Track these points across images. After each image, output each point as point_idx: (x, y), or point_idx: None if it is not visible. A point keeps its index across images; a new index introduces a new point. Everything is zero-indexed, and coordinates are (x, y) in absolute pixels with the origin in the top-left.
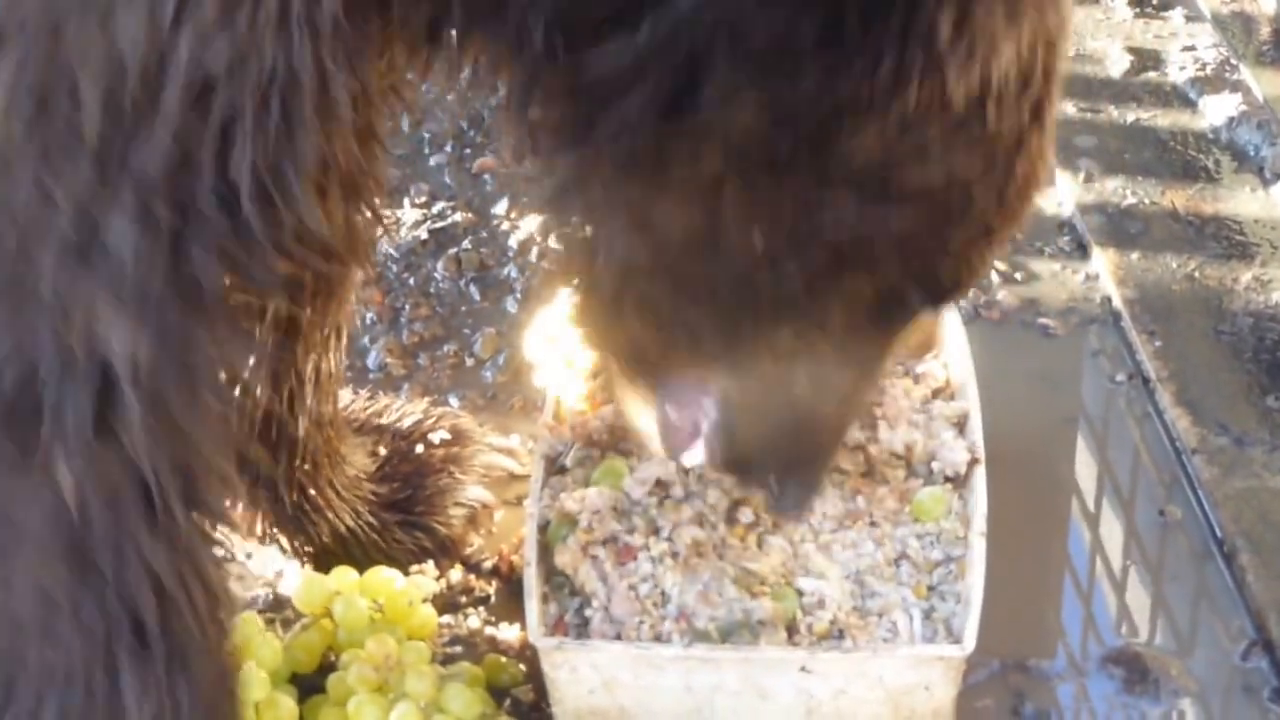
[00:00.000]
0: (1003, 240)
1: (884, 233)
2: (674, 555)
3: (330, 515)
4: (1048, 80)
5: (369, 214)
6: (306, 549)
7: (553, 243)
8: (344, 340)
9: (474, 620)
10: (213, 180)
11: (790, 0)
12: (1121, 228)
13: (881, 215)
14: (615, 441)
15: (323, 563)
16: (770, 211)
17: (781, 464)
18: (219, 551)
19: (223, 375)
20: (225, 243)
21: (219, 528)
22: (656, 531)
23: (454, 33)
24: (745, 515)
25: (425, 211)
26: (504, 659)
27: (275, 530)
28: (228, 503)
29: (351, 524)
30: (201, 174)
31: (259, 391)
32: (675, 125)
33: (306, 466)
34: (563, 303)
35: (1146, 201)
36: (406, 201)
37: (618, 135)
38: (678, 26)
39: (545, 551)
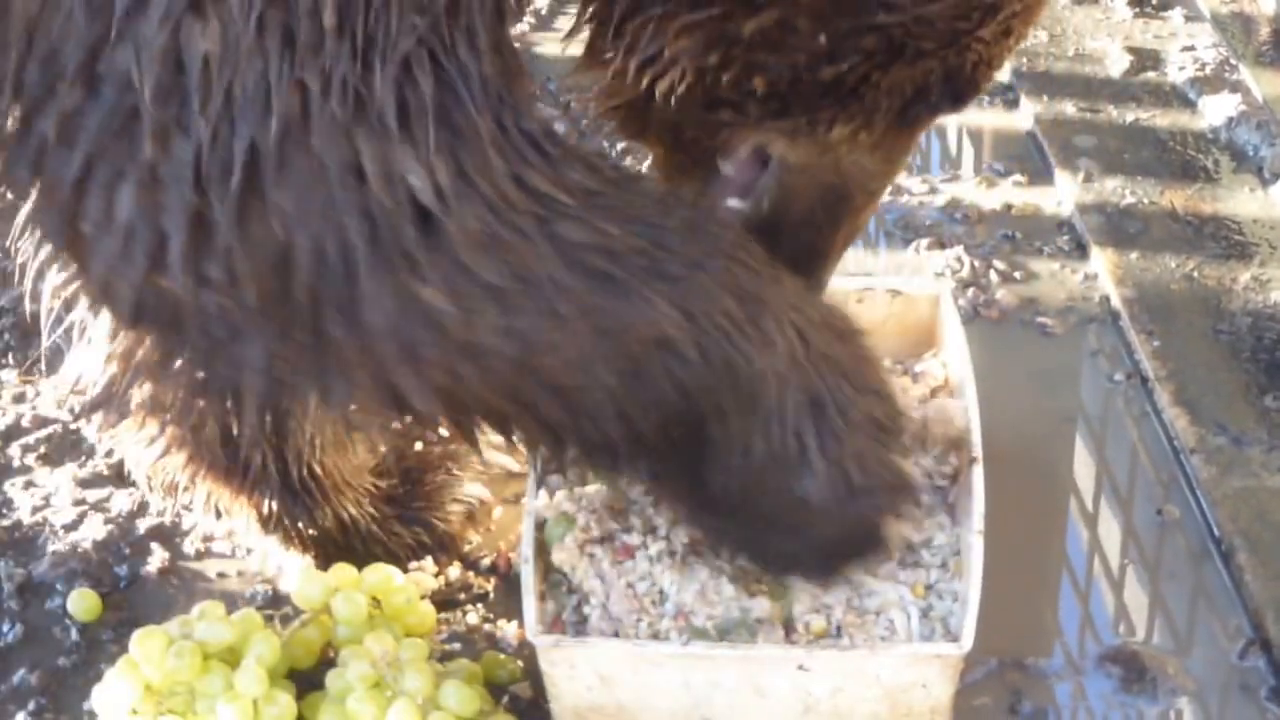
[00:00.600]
0: (1019, 40)
1: (929, 23)
2: (671, 554)
3: (334, 500)
4: None
5: None
6: (309, 533)
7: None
8: None
9: (472, 617)
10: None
11: None
12: (1120, 227)
13: (928, 13)
14: None
15: (322, 555)
16: (835, 11)
17: (810, 235)
18: None
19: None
20: (494, 86)
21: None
22: (654, 530)
23: None
24: None
25: None
26: (502, 656)
27: (279, 512)
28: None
29: (354, 512)
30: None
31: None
32: None
33: (317, 442)
34: None
35: (1145, 201)
36: None
37: None
38: None
39: (543, 549)
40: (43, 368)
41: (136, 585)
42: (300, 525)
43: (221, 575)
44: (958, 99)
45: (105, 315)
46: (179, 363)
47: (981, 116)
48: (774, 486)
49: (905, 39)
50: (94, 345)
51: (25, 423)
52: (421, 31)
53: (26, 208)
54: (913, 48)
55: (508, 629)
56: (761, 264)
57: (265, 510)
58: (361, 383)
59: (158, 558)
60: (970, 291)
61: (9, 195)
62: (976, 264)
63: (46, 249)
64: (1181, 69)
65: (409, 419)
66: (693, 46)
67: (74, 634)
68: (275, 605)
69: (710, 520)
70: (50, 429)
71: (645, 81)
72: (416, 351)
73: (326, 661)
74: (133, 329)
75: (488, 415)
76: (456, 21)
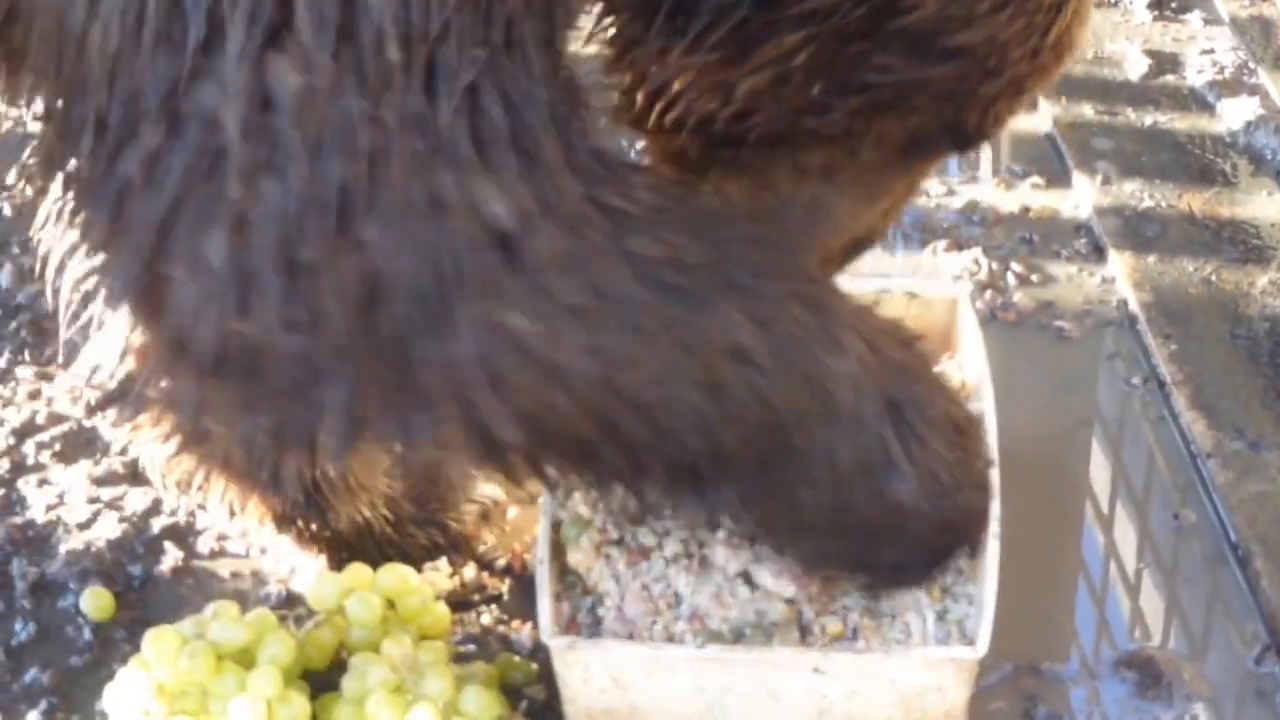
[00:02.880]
0: (1032, 94)
1: (922, 85)
2: (688, 556)
3: (349, 501)
4: None
5: None
6: (324, 534)
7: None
8: None
9: (486, 618)
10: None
11: None
12: (1138, 231)
13: (923, 70)
14: None
15: (336, 556)
16: (829, 68)
17: None
18: None
19: None
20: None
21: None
22: (669, 532)
23: None
24: None
25: None
26: (516, 657)
27: (294, 513)
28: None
29: (368, 513)
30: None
31: None
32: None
33: None
34: None
35: (1163, 205)
36: None
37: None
38: None
39: (558, 550)
40: (60, 360)
41: (150, 584)
42: (314, 526)
43: (235, 575)
44: (962, 147)
45: (179, 366)
46: (258, 409)
47: None
48: (866, 495)
49: (895, 98)
50: (110, 338)
51: (40, 420)
52: (483, 63)
53: (97, 256)
54: (904, 104)
55: (522, 630)
56: (819, 274)
57: (279, 510)
58: (446, 415)
59: (172, 557)
60: (987, 294)
61: (74, 230)
62: (994, 266)
63: (115, 295)
64: (1200, 72)
65: (488, 456)
66: (693, 89)
67: (87, 633)
68: (289, 606)
69: (812, 543)
70: (65, 426)
71: (655, 111)
72: (502, 377)
73: (340, 663)
74: (212, 378)
75: (570, 444)
76: (513, 51)
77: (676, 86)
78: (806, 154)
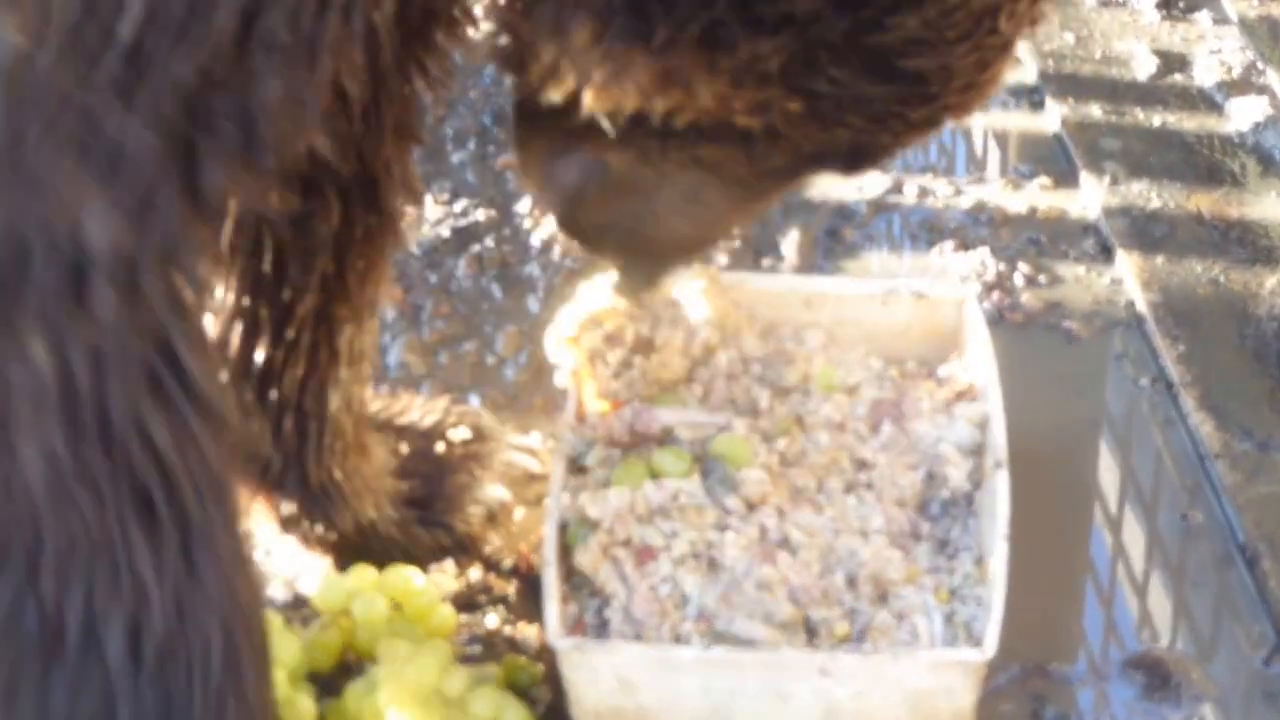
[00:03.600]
0: (937, 130)
1: (865, 102)
2: (695, 556)
3: (354, 503)
4: None
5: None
6: (329, 537)
7: None
8: (377, 320)
9: (493, 619)
10: (239, 98)
11: None
12: (1146, 231)
13: (872, 88)
14: (637, 442)
15: (342, 556)
16: (788, 74)
17: (622, 250)
18: (223, 439)
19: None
20: (235, 155)
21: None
22: (677, 533)
23: None
24: (767, 518)
25: (447, 209)
26: (523, 659)
27: (298, 514)
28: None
29: (374, 515)
30: (230, 90)
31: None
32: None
33: (338, 445)
34: (583, 302)
35: (1172, 205)
36: (429, 198)
37: (685, 25)
38: None
39: (565, 552)
40: None
41: None
42: (320, 528)
43: None
44: (853, 170)
45: None
46: None
47: (1007, 119)
48: None
49: (834, 110)
50: None
51: None
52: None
53: None
54: (838, 118)
55: (528, 632)
56: None
57: (284, 511)
58: None
59: None
60: (995, 295)
61: None
62: (1001, 267)
63: None
64: (1209, 72)
65: None
66: (645, 90)
67: None
68: (294, 607)
69: None
70: None
71: (538, 74)
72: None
73: (346, 665)
74: None
75: None
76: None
77: (629, 86)
78: (709, 145)
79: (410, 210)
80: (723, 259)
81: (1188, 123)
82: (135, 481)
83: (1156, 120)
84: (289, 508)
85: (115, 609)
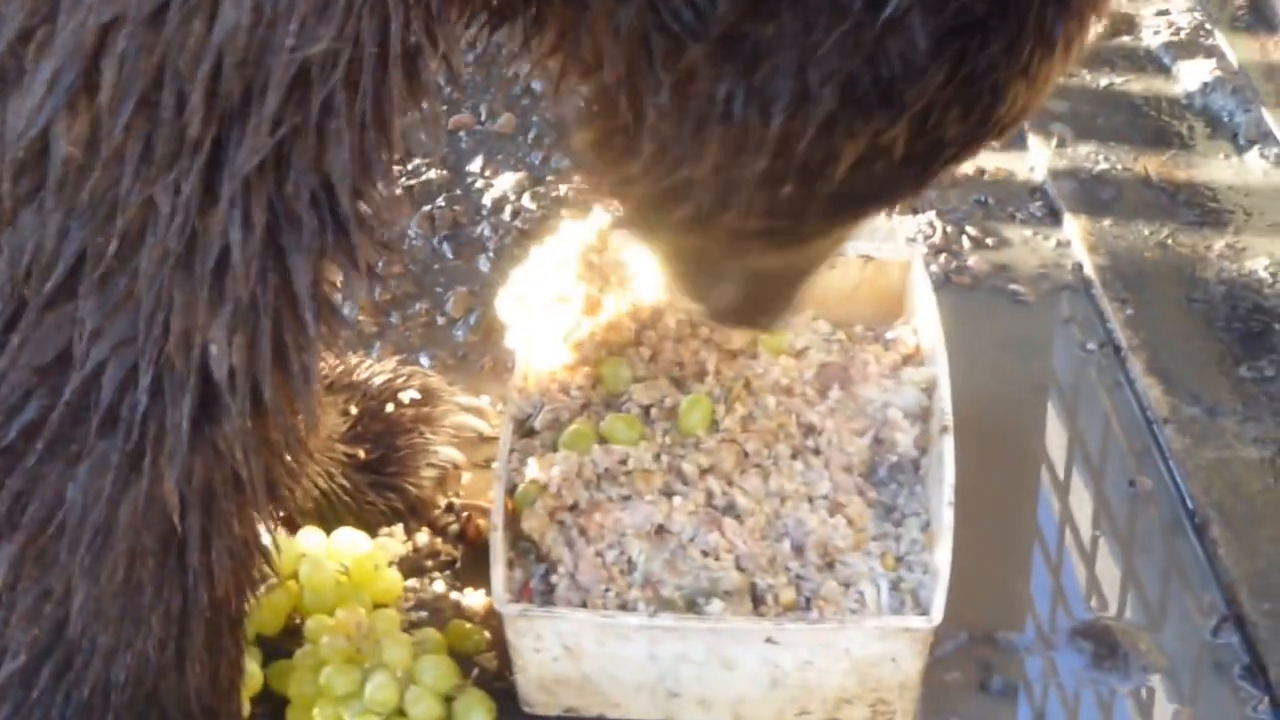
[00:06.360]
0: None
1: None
2: (641, 523)
3: (304, 480)
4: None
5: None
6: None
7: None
8: None
9: (439, 585)
10: (310, 177)
11: None
12: (1093, 194)
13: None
14: (584, 405)
15: (290, 521)
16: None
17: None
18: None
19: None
20: (321, 241)
21: None
22: (625, 499)
23: None
24: (714, 484)
25: (399, 168)
26: (468, 625)
27: None
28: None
29: (325, 486)
30: (300, 171)
31: None
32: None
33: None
34: (534, 263)
35: (1119, 167)
36: None
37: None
38: None
39: (512, 517)
40: None
41: None
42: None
43: None
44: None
45: None
46: None
47: None
48: None
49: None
50: None
51: None
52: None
53: None
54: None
55: (475, 597)
56: None
57: None
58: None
59: None
60: (942, 258)
61: None
62: (948, 229)
63: None
64: (1156, 34)
65: None
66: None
67: None
68: None
69: None
70: None
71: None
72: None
73: (293, 628)
74: None
75: None
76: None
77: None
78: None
79: None
80: None
81: (1135, 84)
82: (212, 594)
83: (1104, 82)
84: None
85: None
